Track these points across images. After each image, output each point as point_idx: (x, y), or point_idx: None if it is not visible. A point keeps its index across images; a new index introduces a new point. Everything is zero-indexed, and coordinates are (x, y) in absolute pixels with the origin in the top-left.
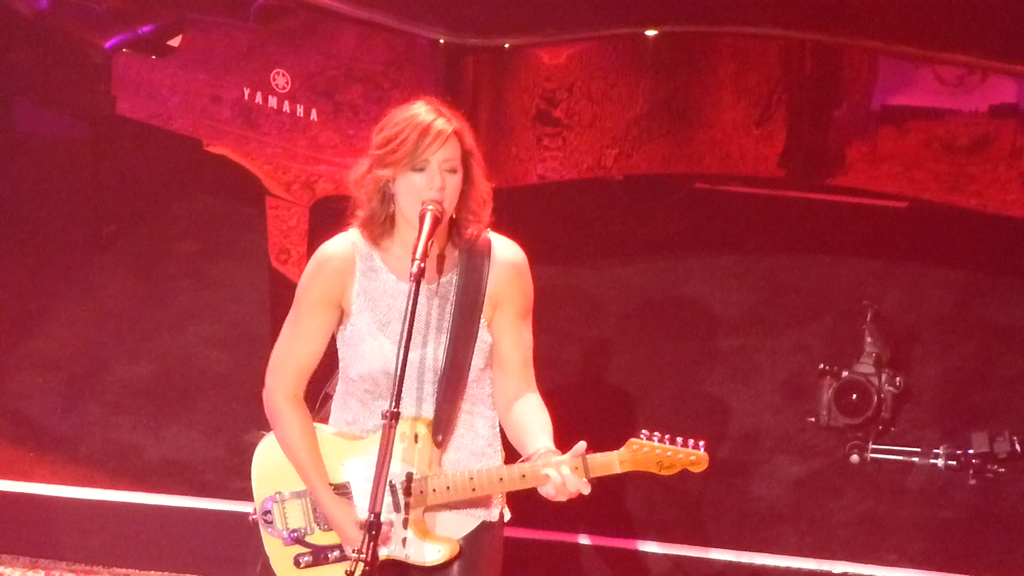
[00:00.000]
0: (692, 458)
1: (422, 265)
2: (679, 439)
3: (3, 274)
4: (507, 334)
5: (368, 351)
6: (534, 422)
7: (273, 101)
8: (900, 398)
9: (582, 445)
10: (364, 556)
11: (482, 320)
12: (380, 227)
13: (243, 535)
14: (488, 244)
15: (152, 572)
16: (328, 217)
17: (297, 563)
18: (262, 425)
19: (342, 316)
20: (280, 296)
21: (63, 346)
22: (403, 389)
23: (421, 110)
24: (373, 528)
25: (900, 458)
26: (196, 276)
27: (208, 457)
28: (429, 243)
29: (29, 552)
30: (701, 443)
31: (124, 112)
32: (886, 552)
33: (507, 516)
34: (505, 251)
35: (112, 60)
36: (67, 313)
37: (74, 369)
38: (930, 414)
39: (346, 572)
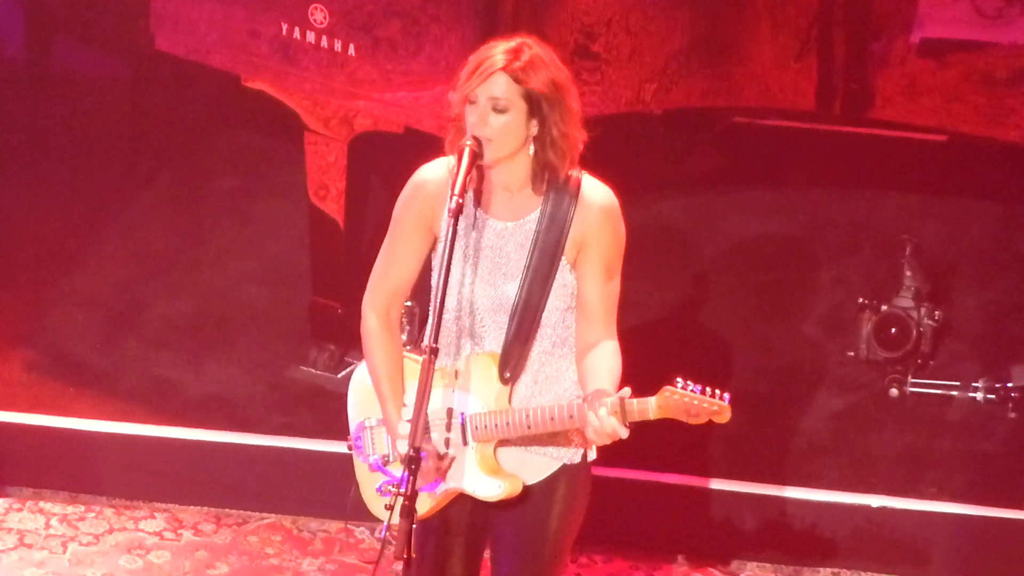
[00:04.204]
0: (715, 408)
1: (460, 201)
2: (708, 389)
3: (42, 212)
4: (590, 279)
5: (450, 281)
6: (602, 368)
7: (311, 36)
8: (939, 331)
9: (626, 391)
10: (404, 491)
11: (563, 261)
12: None
13: (283, 470)
14: (577, 184)
15: (191, 507)
16: (367, 153)
17: (380, 490)
18: (302, 361)
19: (435, 242)
20: (319, 231)
21: (103, 282)
22: (477, 324)
23: (494, 45)
24: (413, 463)
25: (939, 392)
26: (235, 212)
27: (248, 393)
28: (468, 178)
29: (69, 487)
30: (726, 395)
31: (162, 48)
32: (925, 486)
33: (591, 456)
34: (594, 193)
35: None
36: (106, 250)
37: (114, 305)
38: (970, 347)
39: (385, 506)
